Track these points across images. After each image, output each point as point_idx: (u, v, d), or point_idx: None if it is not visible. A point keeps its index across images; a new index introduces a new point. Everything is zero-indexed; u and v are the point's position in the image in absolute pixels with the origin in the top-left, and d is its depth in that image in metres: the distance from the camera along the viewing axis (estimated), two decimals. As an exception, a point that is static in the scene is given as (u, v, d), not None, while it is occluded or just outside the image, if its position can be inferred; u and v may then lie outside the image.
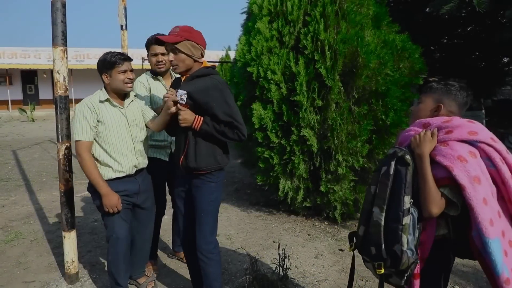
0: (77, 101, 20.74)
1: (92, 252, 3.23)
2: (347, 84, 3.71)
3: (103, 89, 2.29)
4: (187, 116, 2.01)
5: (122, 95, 2.31)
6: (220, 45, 39.88)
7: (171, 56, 2.01)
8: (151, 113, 2.41)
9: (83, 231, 3.70)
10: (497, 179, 1.46)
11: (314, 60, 3.65)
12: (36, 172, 6.35)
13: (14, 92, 20.84)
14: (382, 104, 3.66)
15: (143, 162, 2.40)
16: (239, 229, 3.80)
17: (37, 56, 20.31)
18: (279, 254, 2.41)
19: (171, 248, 3.24)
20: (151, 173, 2.52)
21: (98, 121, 2.21)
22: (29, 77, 21.31)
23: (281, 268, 2.48)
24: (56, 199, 4.79)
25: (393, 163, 1.51)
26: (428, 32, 7.57)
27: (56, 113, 2.50)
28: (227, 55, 17.26)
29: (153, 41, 2.49)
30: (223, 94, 2.01)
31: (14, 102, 20.43)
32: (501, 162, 1.44)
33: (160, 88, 2.67)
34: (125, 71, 2.20)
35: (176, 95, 2.03)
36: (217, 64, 15.85)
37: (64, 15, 2.45)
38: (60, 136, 2.50)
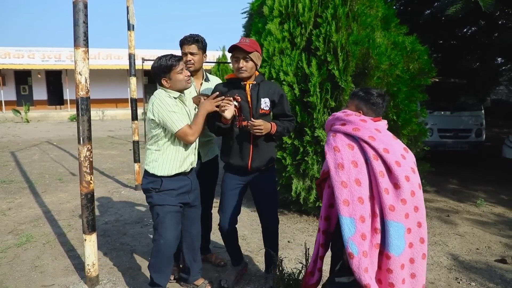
0: (72, 101, 20.57)
1: (108, 255, 3.21)
2: (358, 85, 3.74)
3: (166, 89, 2.30)
4: (264, 125, 2.32)
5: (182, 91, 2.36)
6: (215, 45, 39.79)
7: (242, 63, 2.32)
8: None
9: (95, 233, 3.68)
10: (370, 173, 1.68)
11: (327, 62, 3.67)
12: (38, 174, 6.28)
13: (7, 93, 20.57)
14: (393, 105, 3.71)
15: (196, 160, 2.46)
16: (252, 230, 3.80)
17: (30, 56, 20.08)
18: (306, 253, 2.42)
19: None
20: None
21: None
22: (22, 77, 21.04)
23: (305, 266, 2.49)
24: (62, 201, 4.76)
25: None
26: (430, 34, 7.66)
27: (78, 115, 2.48)
28: (223, 56, 17.26)
29: (183, 40, 2.58)
30: (284, 94, 2.52)
31: (7, 103, 20.17)
32: (373, 158, 1.66)
33: (192, 91, 2.68)
34: (182, 70, 2.27)
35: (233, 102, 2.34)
36: (213, 64, 15.81)
37: (86, 15, 2.43)
38: (81, 138, 2.48)
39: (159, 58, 2.27)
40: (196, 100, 2.53)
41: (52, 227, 3.85)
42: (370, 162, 1.67)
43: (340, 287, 1.83)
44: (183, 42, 2.59)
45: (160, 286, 2.36)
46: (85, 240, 2.57)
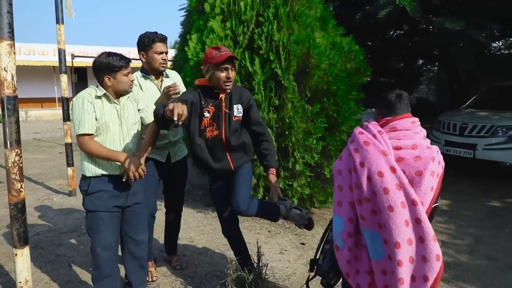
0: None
1: (43, 269, 2.94)
2: (300, 84, 3.85)
3: (98, 86, 2.19)
4: (277, 184, 2.43)
5: (120, 95, 2.24)
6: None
7: (232, 74, 2.25)
8: (151, 116, 2.29)
9: (25, 245, 3.35)
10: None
11: (269, 60, 3.72)
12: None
13: None
14: (333, 103, 3.86)
15: None
16: (199, 231, 3.73)
17: None
18: (258, 253, 2.42)
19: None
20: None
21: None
22: None
23: (259, 266, 2.50)
24: (-17, 213, 4.27)
25: None
26: (360, 36, 8.13)
27: (3, 116, 2.22)
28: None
29: (157, 39, 2.44)
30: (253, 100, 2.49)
31: None
32: (353, 170, 1.79)
33: (151, 88, 2.57)
34: (128, 73, 2.18)
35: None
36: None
37: (11, 4, 2.18)
38: (8, 142, 2.23)
39: (108, 54, 2.15)
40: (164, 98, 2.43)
41: (-28, 243, 3.43)
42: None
43: None
44: (156, 40, 2.46)
45: None
46: (16, 255, 2.31)
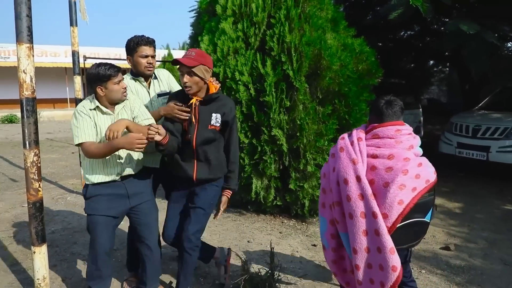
0: (3, 101, 18.89)
1: (58, 267, 2.99)
2: (311, 85, 3.85)
3: (93, 97, 2.23)
4: (226, 204, 2.46)
5: (115, 103, 2.26)
6: (159, 43, 38.46)
7: (186, 78, 2.20)
8: (146, 122, 2.31)
9: (41, 244, 3.41)
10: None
11: (281, 62, 3.73)
12: (-32, 183, 5.68)
13: None
14: (345, 104, 3.86)
15: (129, 170, 2.30)
16: (211, 232, 3.75)
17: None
18: (271, 254, 2.44)
19: None
20: None
21: None
22: None
23: (272, 267, 2.51)
24: (0, 211, 4.35)
25: None
26: (371, 37, 8.11)
27: (22, 117, 2.28)
28: (169, 54, 16.87)
29: (142, 42, 2.43)
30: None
31: None
32: (332, 171, 1.92)
33: (140, 90, 2.58)
34: (119, 81, 2.19)
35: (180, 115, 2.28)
36: (158, 63, 15.36)
37: (30, 8, 2.23)
38: (27, 142, 2.28)
39: (97, 65, 2.17)
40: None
41: (-11, 241, 3.50)
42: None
43: None
44: (141, 43, 2.44)
45: None
46: (34, 252, 2.37)
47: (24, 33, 2.23)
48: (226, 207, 2.45)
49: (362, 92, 4.07)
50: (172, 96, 2.43)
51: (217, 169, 2.39)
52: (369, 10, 8.22)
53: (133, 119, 2.31)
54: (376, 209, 1.68)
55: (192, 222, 2.34)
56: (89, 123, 2.17)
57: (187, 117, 2.28)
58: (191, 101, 2.29)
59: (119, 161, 2.26)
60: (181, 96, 2.34)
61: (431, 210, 1.86)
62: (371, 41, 8.39)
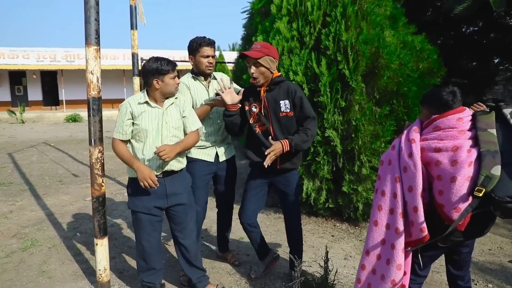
0: (68, 102, 20.36)
1: (117, 259, 3.14)
2: (368, 85, 3.70)
3: (145, 91, 2.35)
4: (274, 147, 2.33)
5: (165, 97, 2.36)
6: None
7: (253, 69, 2.35)
8: (193, 124, 2.42)
9: (101, 236, 3.60)
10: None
11: (337, 61, 3.62)
12: (38, 176, 6.17)
13: (2, 93, 20.33)
14: (403, 105, 3.67)
15: (174, 165, 2.36)
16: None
17: (25, 56, 19.82)
18: (326, 257, 2.37)
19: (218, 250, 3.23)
20: (193, 174, 2.58)
21: (133, 123, 2.31)
22: (17, 78, 20.77)
23: (325, 270, 2.44)
24: (65, 204, 4.67)
25: None
26: (430, 33, 7.68)
27: (89, 115, 2.41)
28: (220, 56, 17.20)
29: (204, 43, 2.56)
30: (303, 94, 2.46)
31: (2, 103, 19.92)
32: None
33: (200, 89, 2.71)
34: (175, 77, 2.30)
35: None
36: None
37: (98, 12, 2.36)
38: (93, 140, 2.40)
39: (156, 59, 2.27)
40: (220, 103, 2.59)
41: (56, 231, 3.76)
42: None
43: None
44: (203, 44, 2.57)
45: (153, 283, 2.45)
46: (96, 244, 2.49)
47: (93, 36, 2.35)
48: (275, 155, 2.34)
49: (422, 92, 3.85)
50: (244, 90, 2.60)
51: (298, 158, 2.54)
52: (428, 5, 7.77)
53: (183, 118, 2.41)
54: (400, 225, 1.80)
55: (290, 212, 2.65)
56: (128, 125, 2.30)
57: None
58: (259, 90, 2.44)
59: (147, 155, 2.31)
60: (252, 90, 2.51)
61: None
62: (431, 38, 7.96)
